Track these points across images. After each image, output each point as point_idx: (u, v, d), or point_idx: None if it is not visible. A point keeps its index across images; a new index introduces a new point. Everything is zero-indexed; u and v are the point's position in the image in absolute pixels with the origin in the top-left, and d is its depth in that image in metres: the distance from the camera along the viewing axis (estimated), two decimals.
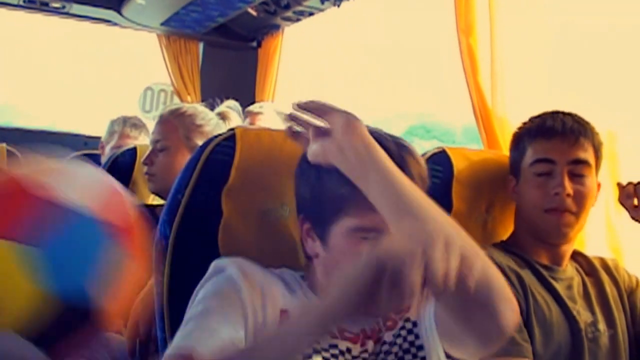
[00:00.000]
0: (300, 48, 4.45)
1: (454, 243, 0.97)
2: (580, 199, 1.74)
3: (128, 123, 3.32)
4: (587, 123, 1.80)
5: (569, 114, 1.80)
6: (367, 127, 1.24)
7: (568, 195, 1.72)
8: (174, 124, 2.31)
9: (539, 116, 1.84)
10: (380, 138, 1.23)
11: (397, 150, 1.24)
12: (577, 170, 1.75)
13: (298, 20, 3.86)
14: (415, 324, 1.32)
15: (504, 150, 2.36)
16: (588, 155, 1.76)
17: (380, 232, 1.20)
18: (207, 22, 3.94)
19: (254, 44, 4.42)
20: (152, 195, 2.57)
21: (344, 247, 1.22)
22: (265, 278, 1.28)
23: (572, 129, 1.75)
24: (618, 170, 2.17)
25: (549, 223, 1.76)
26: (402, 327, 1.32)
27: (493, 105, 2.41)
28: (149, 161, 2.29)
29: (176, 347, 1.11)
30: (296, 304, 1.27)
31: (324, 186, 1.24)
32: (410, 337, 1.31)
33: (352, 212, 1.22)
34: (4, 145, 3.35)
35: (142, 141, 3.29)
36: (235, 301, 1.21)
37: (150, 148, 2.31)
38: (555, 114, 1.81)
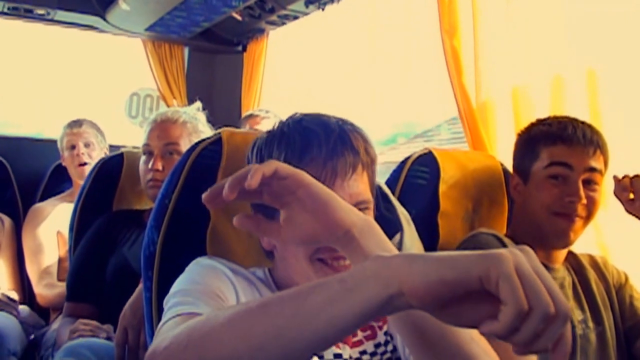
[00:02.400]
0: (286, 52, 4.44)
1: None
2: (591, 206, 1.78)
3: (69, 124, 3.39)
4: (601, 134, 1.84)
5: (586, 124, 1.84)
6: (308, 113, 1.25)
7: (582, 203, 1.75)
8: (182, 128, 2.30)
9: (555, 121, 1.86)
10: (322, 117, 1.24)
11: (338, 126, 1.22)
12: (591, 177, 1.78)
13: (283, 24, 3.86)
14: (392, 336, 1.31)
15: (489, 150, 2.38)
16: (601, 165, 1.80)
17: None
18: (192, 26, 3.93)
19: (239, 48, 4.41)
20: (140, 200, 2.57)
21: None
22: (241, 271, 1.29)
23: (592, 140, 1.79)
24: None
25: (557, 226, 1.79)
26: (387, 341, 1.30)
27: (478, 106, 2.42)
28: (159, 167, 2.25)
29: (174, 311, 1.09)
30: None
31: None
32: (390, 347, 1.30)
33: None
34: None
35: (88, 133, 3.37)
36: (222, 276, 1.22)
37: (154, 153, 2.28)
38: (573, 121, 1.84)
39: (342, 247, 1.01)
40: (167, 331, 1.02)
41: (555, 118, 1.88)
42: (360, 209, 1.17)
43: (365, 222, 1.01)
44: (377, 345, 1.29)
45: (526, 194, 1.86)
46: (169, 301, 1.16)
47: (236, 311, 0.85)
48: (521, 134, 1.93)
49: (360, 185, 1.20)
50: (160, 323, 1.10)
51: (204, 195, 0.95)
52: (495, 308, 0.71)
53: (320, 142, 1.18)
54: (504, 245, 1.77)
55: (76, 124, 3.37)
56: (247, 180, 0.92)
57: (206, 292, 1.15)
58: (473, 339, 0.98)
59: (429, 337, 0.99)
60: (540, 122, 1.89)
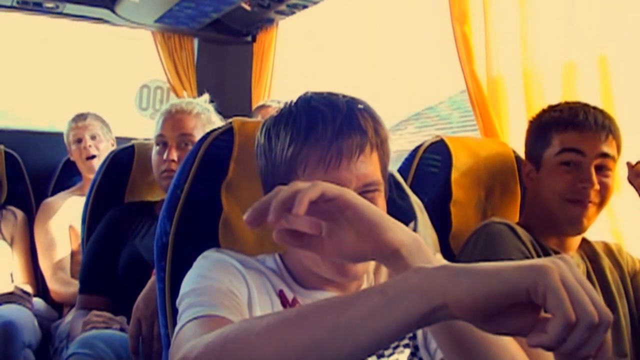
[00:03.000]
0: (296, 41, 4.43)
1: None
2: (604, 191, 1.77)
3: (73, 119, 3.41)
4: (613, 119, 1.82)
5: (597, 109, 1.82)
6: (318, 92, 1.24)
7: (594, 189, 1.74)
8: (197, 119, 2.29)
9: (567, 107, 1.84)
10: (330, 96, 1.21)
11: (346, 105, 1.19)
12: (604, 163, 1.77)
13: (292, 13, 3.85)
14: (414, 336, 1.29)
15: (501, 137, 2.37)
16: (614, 150, 1.78)
17: None
18: (201, 17, 3.93)
19: (249, 38, 4.41)
20: (151, 192, 2.57)
21: None
22: (250, 262, 1.28)
23: (603, 125, 1.77)
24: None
25: (570, 213, 1.77)
26: (407, 345, 1.28)
27: (489, 93, 2.41)
28: (175, 157, 2.24)
29: (190, 313, 1.08)
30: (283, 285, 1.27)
31: (273, 152, 1.21)
32: (408, 351, 1.27)
33: (300, 172, 1.16)
34: (2, 147, 3.35)
35: (93, 125, 3.38)
36: (233, 269, 1.21)
37: (168, 143, 2.26)
38: (584, 107, 1.82)
39: (389, 265, 1.01)
40: (188, 337, 1.02)
41: (567, 104, 1.86)
42: (369, 191, 1.17)
43: (414, 241, 1.00)
44: (395, 347, 1.27)
45: (538, 180, 1.85)
46: (182, 301, 1.16)
47: (273, 321, 0.84)
48: (533, 120, 1.92)
49: (368, 167, 1.18)
50: (177, 327, 1.09)
51: (246, 216, 0.92)
52: (534, 316, 0.74)
53: (326, 121, 1.16)
54: (516, 234, 1.76)
55: (81, 117, 3.38)
56: (294, 208, 0.89)
57: (220, 290, 1.15)
58: (514, 357, 0.98)
59: (468, 348, 0.98)
60: (551, 108, 1.88)
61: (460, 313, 0.75)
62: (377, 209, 0.98)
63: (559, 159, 1.78)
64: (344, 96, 1.23)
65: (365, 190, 1.17)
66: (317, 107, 1.19)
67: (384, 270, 1.35)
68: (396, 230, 0.98)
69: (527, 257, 1.71)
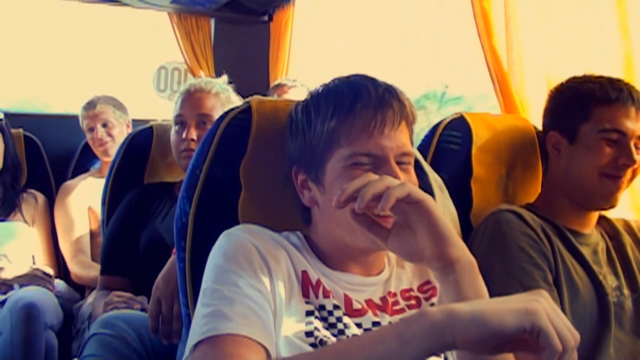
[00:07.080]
0: (313, 20, 4.41)
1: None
2: (638, 168, 1.75)
3: (84, 107, 3.42)
4: None
5: (630, 84, 1.79)
6: (353, 75, 1.29)
7: (633, 167, 1.73)
8: (216, 99, 2.28)
9: (606, 80, 1.79)
10: (364, 81, 1.26)
11: (384, 82, 1.26)
12: (638, 142, 1.75)
13: None
14: None
15: (522, 113, 2.34)
16: None
17: (374, 157, 1.20)
18: None
19: (266, 18, 4.40)
20: (170, 173, 2.57)
21: (340, 179, 1.20)
22: (274, 239, 1.28)
23: None
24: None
25: (605, 188, 1.75)
26: None
27: (509, 69, 2.38)
28: (194, 136, 2.23)
29: (209, 325, 1.08)
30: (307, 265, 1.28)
31: (312, 126, 1.25)
32: None
33: (343, 141, 1.21)
34: (21, 130, 3.36)
35: (104, 112, 3.38)
36: (255, 256, 1.21)
37: (187, 123, 2.26)
38: (621, 82, 1.79)
39: (439, 274, 1.13)
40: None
41: (602, 77, 1.81)
42: (405, 162, 1.24)
43: (468, 261, 1.11)
44: None
45: (572, 153, 1.79)
46: (204, 296, 1.16)
47: None
48: (564, 89, 1.85)
49: (405, 138, 1.24)
50: (195, 337, 1.09)
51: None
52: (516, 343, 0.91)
53: (370, 92, 1.22)
54: (524, 221, 1.73)
55: (90, 105, 3.40)
56: (382, 203, 1.02)
57: (240, 290, 1.14)
58: None
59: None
60: (587, 79, 1.82)
61: (467, 348, 0.89)
62: (450, 224, 1.10)
63: (603, 136, 1.74)
64: (377, 80, 1.29)
65: (402, 161, 1.24)
66: (358, 81, 1.26)
67: None
68: (458, 247, 1.11)
69: (536, 242, 1.70)
